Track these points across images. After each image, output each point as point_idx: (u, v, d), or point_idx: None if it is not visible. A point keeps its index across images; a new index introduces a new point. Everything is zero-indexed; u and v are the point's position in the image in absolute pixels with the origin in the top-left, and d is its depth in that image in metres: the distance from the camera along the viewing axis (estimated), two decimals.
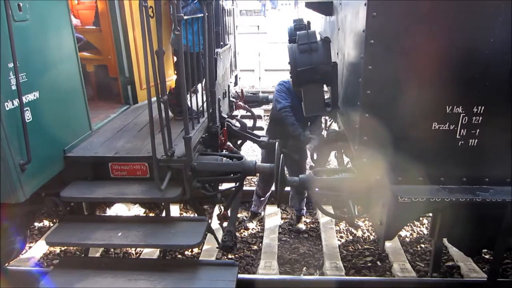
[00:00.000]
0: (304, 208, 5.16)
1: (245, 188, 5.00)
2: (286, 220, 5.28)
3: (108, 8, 4.49)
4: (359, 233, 4.95)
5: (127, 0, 4.52)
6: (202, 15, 3.47)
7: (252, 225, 5.16)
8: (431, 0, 2.28)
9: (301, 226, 5.11)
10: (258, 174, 4.55)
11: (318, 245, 4.74)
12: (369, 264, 4.39)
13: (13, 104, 2.62)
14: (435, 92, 2.46)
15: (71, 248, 4.60)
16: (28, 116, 2.76)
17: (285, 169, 4.19)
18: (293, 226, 5.13)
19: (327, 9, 4.24)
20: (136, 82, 4.87)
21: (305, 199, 5.08)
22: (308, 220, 5.26)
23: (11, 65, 2.57)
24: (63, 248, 4.64)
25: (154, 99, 2.94)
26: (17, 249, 4.01)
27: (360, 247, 4.70)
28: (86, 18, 5.44)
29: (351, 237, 4.90)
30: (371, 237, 4.86)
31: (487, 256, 4.32)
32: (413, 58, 2.40)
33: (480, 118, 2.49)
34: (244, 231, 5.05)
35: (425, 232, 4.91)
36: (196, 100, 3.76)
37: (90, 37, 4.97)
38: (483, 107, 2.46)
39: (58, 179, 3.28)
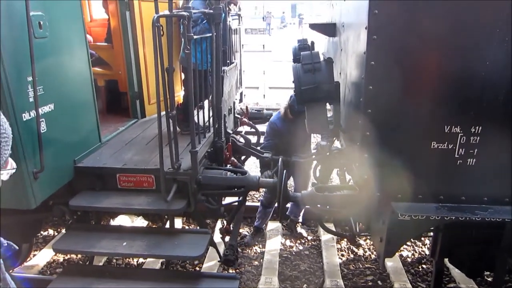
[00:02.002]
0: (301, 218, 5.33)
1: (247, 203, 5.05)
2: (287, 237, 5.30)
3: (120, 25, 4.66)
4: (361, 252, 4.96)
5: (139, 19, 4.70)
6: (211, 34, 3.61)
7: (253, 243, 5.10)
8: (429, 24, 2.38)
9: (302, 231, 5.27)
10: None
11: (319, 263, 4.75)
12: (370, 283, 4.39)
13: (29, 115, 2.74)
14: (433, 112, 2.53)
15: (74, 257, 4.65)
16: (43, 127, 2.88)
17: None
18: (293, 232, 5.27)
19: (330, 30, 4.37)
20: (145, 97, 5.00)
21: (303, 210, 5.24)
22: (309, 237, 5.29)
23: (30, 78, 2.71)
24: (66, 257, 4.69)
25: (162, 113, 3.05)
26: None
27: (361, 266, 4.70)
28: (98, 35, 5.62)
29: (352, 256, 4.91)
30: (373, 256, 4.86)
31: (490, 279, 4.30)
32: (412, 79, 2.49)
33: (478, 138, 2.54)
34: (246, 247, 5.07)
35: (427, 252, 4.90)
36: (203, 115, 3.87)
37: (102, 53, 5.14)
38: (480, 127, 2.52)
39: (67, 188, 3.37)
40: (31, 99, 2.74)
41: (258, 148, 5.00)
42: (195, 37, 3.18)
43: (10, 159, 1.60)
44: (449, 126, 2.53)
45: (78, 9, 3.40)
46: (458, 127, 2.53)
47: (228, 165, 4.26)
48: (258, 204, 5.91)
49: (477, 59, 2.40)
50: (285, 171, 3.44)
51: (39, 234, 5.04)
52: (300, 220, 5.37)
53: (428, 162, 2.65)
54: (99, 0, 5.40)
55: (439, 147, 2.60)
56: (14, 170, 1.61)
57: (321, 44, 5.42)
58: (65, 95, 3.20)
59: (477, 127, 2.52)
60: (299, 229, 5.33)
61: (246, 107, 5.90)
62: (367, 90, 2.55)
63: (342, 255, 4.91)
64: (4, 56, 2.51)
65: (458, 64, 2.43)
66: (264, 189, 5.28)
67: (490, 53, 2.36)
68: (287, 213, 5.33)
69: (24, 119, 2.70)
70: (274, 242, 5.09)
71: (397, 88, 2.51)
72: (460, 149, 2.58)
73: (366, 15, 2.41)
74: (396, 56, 2.46)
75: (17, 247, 1.55)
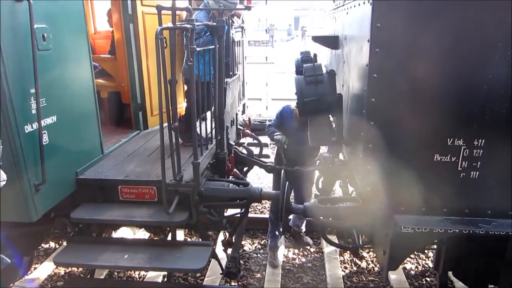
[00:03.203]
0: (304, 227, 5.31)
1: (250, 215, 5.03)
2: (290, 249, 5.27)
3: (124, 38, 4.70)
4: (364, 264, 4.92)
5: (142, 31, 4.74)
6: (214, 47, 3.63)
7: (278, 261, 4.89)
8: (431, 37, 2.39)
9: (308, 239, 5.28)
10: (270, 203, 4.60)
11: (322, 275, 4.71)
12: None
13: (32, 127, 2.74)
14: (436, 124, 2.53)
15: (76, 270, 4.62)
16: (45, 139, 2.88)
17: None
18: (299, 242, 5.27)
19: (333, 43, 4.40)
20: (147, 109, 5.02)
21: (305, 220, 5.24)
22: (312, 250, 5.25)
23: (32, 90, 2.72)
24: (67, 270, 4.66)
25: (164, 125, 3.05)
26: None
27: (364, 279, 4.66)
28: (102, 47, 5.67)
29: (355, 268, 4.86)
30: (376, 269, 4.82)
31: None
32: (414, 91, 2.49)
33: (481, 151, 2.55)
34: (248, 259, 5.04)
35: (431, 265, 4.86)
36: (206, 127, 3.87)
37: (106, 65, 5.18)
38: (483, 140, 2.52)
39: (68, 200, 3.35)
40: (33, 111, 2.75)
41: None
42: (198, 49, 3.19)
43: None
44: (452, 139, 2.54)
45: (82, 21, 3.42)
46: (461, 140, 2.53)
47: (230, 177, 4.25)
48: (261, 215, 5.91)
49: (479, 73, 2.41)
50: (287, 182, 3.43)
51: (40, 247, 5.02)
52: (303, 229, 5.34)
53: (431, 175, 2.64)
54: (103, 12, 5.46)
55: (442, 160, 2.59)
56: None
57: (324, 56, 5.45)
58: (67, 107, 3.21)
59: (480, 140, 2.52)
60: (305, 238, 5.31)
61: (249, 118, 5.91)
62: (370, 102, 2.55)
63: (345, 268, 4.86)
64: (7, 68, 2.52)
65: (460, 77, 2.44)
66: (269, 206, 5.28)
67: (492, 67, 2.37)
68: (289, 223, 5.31)
69: (27, 131, 2.70)
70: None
71: (400, 101, 2.52)
72: (463, 162, 2.58)
73: (369, 28, 2.43)
74: (399, 68, 2.47)
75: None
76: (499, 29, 2.30)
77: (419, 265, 4.89)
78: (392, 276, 4.51)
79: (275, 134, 4.54)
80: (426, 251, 5.03)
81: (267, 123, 4.98)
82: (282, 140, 4.41)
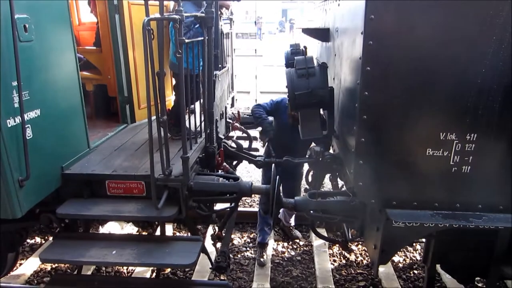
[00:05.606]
0: (293, 222, 5.34)
1: (239, 209, 5.00)
2: (279, 242, 5.27)
3: (110, 29, 4.58)
4: (352, 257, 4.95)
5: (129, 22, 4.62)
6: (203, 38, 3.55)
7: (265, 261, 4.83)
8: (425, 30, 2.36)
9: (297, 233, 5.31)
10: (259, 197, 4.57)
11: (311, 268, 4.72)
12: None
13: (14, 121, 2.65)
14: (429, 119, 2.52)
15: (62, 265, 4.54)
16: (28, 133, 2.79)
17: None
18: (288, 235, 5.31)
19: (323, 35, 4.36)
20: (135, 102, 4.92)
21: (294, 215, 5.28)
22: (301, 243, 5.26)
23: (15, 83, 2.62)
24: (54, 266, 4.57)
25: (152, 118, 2.98)
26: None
27: (353, 272, 4.68)
28: (87, 39, 5.52)
29: (344, 261, 4.89)
30: (364, 262, 4.85)
31: (480, 284, 4.32)
32: (409, 85, 2.47)
33: (473, 145, 2.54)
34: (237, 253, 5.02)
35: (419, 257, 4.91)
36: (195, 120, 3.81)
37: (91, 57, 5.05)
38: (475, 135, 2.52)
39: (54, 196, 3.27)
40: (16, 105, 2.65)
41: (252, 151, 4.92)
42: (186, 41, 3.12)
43: None
44: (444, 133, 2.53)
45: (66, 12, 3.31)
46: (454, 134, 2.52)
47: (220, 171, 4.20)
48: (251, 209, 5.88)
49: (473, 67, 2.39)
50: (278, 177, 3.40)
51: (25, 242, 4.91)
52: (292, 223, 5.34)
53: (423, 169, 2.64)
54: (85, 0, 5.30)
55: (435, 154, 2.59)
56: None
57: (313, 49, 5.41)
58: (52, 100, 3.11)
59: (473, 135, 2.51)
60: (294, 231, 5.32)
61: (238, 111, 5.85)
62: (363, 95, 2.52)
63: (334, 261, 4.89)
64: None
65: (454, 71, 2.42)
66: (258, 200, 5.25)
67: (486, 61, 2.35)
68: (278, 216, 5.29)
69: (9, 125, 2.60)
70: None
71: (393, 94, 2.49)
72: (455, 156, 2.58)
73: (362, 20, 2.39)
74: (392, 61, 2.43)
75: None
76: (493, 22, 2.28)
77: (407, 257, 4.94)
78: (381, 269, 4.54)
79: (265, 120, 4.46)
80: (414, 244, 5.09)
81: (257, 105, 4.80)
82: (269, 131, 4.38)
